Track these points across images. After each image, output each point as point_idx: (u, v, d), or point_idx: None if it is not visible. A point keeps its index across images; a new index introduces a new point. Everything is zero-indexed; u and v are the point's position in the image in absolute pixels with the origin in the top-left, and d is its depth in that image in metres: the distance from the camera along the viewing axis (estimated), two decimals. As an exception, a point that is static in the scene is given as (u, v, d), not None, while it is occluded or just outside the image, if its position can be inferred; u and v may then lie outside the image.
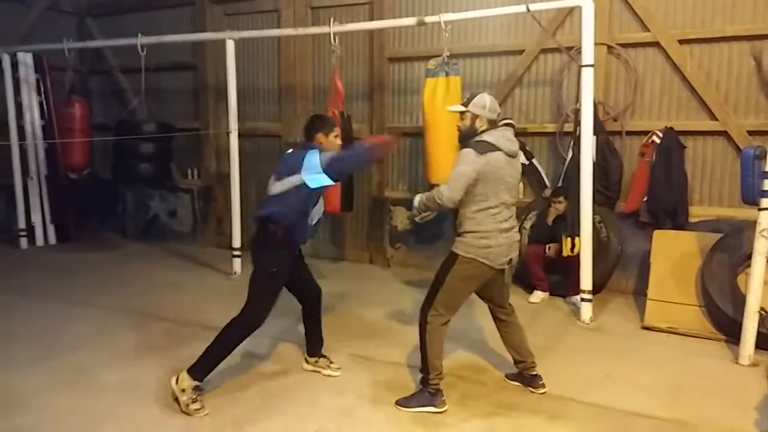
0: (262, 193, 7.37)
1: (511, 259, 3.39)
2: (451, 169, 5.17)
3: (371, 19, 6.42)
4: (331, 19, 5.65)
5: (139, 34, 6.31)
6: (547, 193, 5.71)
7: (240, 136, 6.25)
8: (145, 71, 6.31)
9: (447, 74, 5.09)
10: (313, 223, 3.67)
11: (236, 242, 6.37)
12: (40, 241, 7.63)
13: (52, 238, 7.73)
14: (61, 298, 5.44)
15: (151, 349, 4.23)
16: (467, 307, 5.36)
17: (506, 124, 5.63)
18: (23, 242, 7.48)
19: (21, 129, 7.41)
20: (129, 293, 5.62)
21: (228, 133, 6.31)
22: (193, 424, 3.23)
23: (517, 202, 3.47)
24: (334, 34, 5.52)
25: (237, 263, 6.39)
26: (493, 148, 3.24)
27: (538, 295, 5.49)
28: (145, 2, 7.94)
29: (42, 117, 7.55)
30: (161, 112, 7.50)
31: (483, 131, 3.35)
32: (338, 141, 3.61)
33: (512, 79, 6.10)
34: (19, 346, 4.26)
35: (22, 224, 7.51)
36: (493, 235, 3.27)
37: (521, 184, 6.19)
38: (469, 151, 3.24)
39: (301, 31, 6.17)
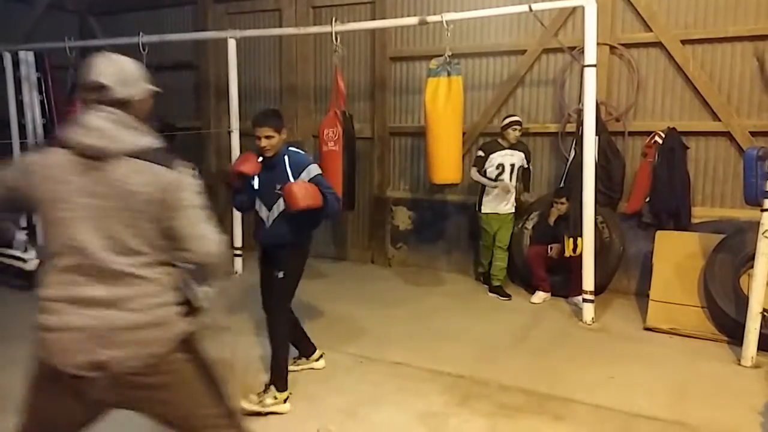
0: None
1: (103, 363, 1.77)
2: (454, 168, 5.23)
3: (373, 18, 6.41)
4: (333, 19, 5.63)
5: (141, 33, 6.30)
6: (525, 196, 5.82)
7: (241, 135, 6.24)
8: (145, 70, 6.29)
9: (449, 74, 5.08)
10: (267, 225, 3.52)
11: (237, 241, 6.36)
12: (40, 239, 7.62)
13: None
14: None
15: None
16: (464, 303, 5.40)
17: (513, 122, 5.50)
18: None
19: (22, 127, 7.39)
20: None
21: (229, 132, 6.30)
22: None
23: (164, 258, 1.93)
24: (336, 33, 5.51)
25: (238, 262, 6.38)
26: (59, 143, 1.86)
27: (539, 296, 5.47)
28: (147, 1, 7.92)
29: (43, 116, 7.53)
30: (162, 111, 7.46)
31: None
32: (259, 143, 3.48)
33: (514, 79, 6.08)
34: (24, 342, 4.24)
35: (23, 223, 7.48)
36: (56, 307, 1.81)
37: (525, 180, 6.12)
38: None
39: (302, 30, 6.16)
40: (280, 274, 3.47)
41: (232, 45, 6.05)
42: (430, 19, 5.21)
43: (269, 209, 3.50)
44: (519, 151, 5.59)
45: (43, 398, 1.91)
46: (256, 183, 3.52)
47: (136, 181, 1.81)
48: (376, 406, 3.45)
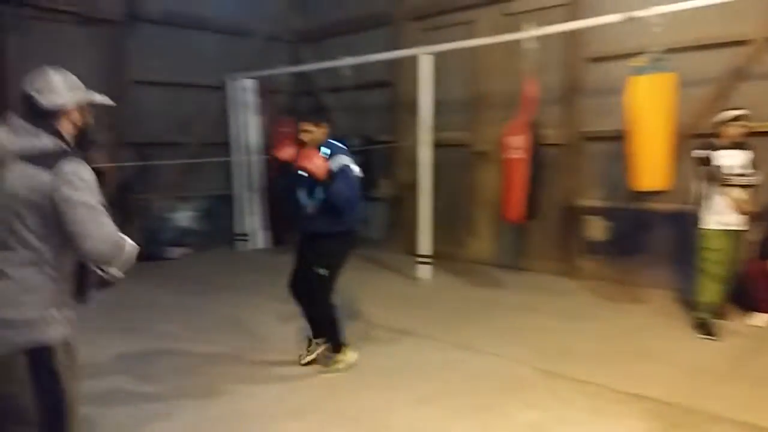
0: (450, 202, 7.48)
1: None
2: (662, 173, 4.74)
3: (568, 20, 6.14)
4: (527, 25, 5.53)
5: (342, 57, 6.80)
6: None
7: (433, 147, 6.43)
8: (347, 90, 6.81)
9: (657, 71, 4.67)
10: (308, 213, 3.78)
11: (423, 249, 6.51)
12: (257, 244, 8.56)
13: (267, 242, 8.63)
14: (271, 295, 6.00)
15: (351, 347, 4.25)
16: (666, 322, 4.83)
17: (738, 116, 4.54)
18: (243, 245, 8.47)
19: (242, 146, 8.45)
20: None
21: (418, 145, 6.51)
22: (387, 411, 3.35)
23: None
24: (530, 39, 5.39)
25: (423, 270, 6.53)
26: None
27: (762, 318, 4.74)
28: (350, 26, 8.55)
29: (259, 135, 8.51)
30: (362, 127, 8.08)
31: None
32: (300, 136, 3.75)
33: (734, 73, 5.39)
34: (245, 341, 4.80)
35: (242, 230, 8.51)
36: None
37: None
38: None
39: (495, 39, 6.10)
40: (322, 271, 3.71)
41: (426, 61, 6.26)
42: (638, 14, 4.84)
43: (310, 198, 3.74)
44: (742, 150, 4.55)
45: None
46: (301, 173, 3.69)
47: (14, 182, 1.96)
48: (568, 424, 3.26)
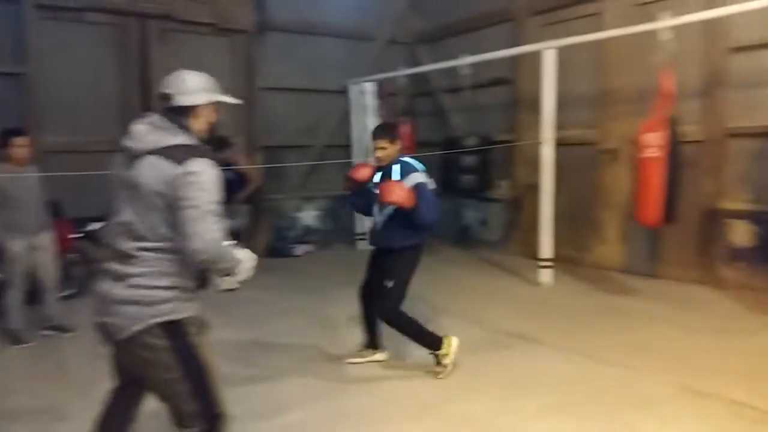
0: (574, 203, 7.19)
1: (103, 325, 2.18)
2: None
3: (707, 8, 5.65)
4: (662, 14, 5.16)
5: (462, 56, 6.73)
6: None
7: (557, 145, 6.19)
8: (465, 89, 6.73)
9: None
10: (378, 228, 3.93)
11: (544, 253, 6.28)
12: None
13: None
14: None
15: (470, 351, 4.19)
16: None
17: None
18: (362, 244, 8.65)
19: (362, 148, 8.63)
20: (446, 296, 5.93)
21: (540, 144, 6.29)
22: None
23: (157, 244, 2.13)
24: (666, 29, 5.03)
25: (544, 274, 6.30)
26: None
27: None
28: (467, 25, 8.49)
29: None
30: (480, 126, 7.97)
31: None
32: (375, 153, 3.88)
33: None
34: (359, 338, 4.89)
35: (361, 229, 8.70)
36: (102, 273, 2.27)
37: None
38: None
39: (628, 30, 5.74)
40: (390, 284, 3.79)
41: (549, 56, 6.05)
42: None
43: (380, 213, 3.87)
44: None
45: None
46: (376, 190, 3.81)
47: (147, 175, 2.09)
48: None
